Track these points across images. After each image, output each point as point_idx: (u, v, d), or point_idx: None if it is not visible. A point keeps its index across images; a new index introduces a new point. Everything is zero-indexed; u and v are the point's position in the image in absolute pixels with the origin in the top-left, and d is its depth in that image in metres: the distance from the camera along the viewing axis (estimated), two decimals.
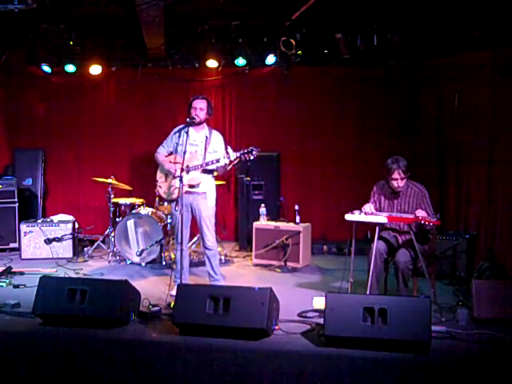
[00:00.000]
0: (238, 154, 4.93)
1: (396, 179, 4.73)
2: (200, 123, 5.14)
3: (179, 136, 5.09)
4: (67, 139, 8.05)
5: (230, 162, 5.00)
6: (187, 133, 4.93)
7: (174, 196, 5.09)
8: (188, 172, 5.02)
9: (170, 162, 5.19)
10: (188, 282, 5.23)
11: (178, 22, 6.65)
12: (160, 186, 5.31)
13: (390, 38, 6.53)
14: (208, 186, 5.22)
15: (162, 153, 5.29)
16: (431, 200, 4.80)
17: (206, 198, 5.19)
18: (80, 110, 8.04)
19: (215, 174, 5.37)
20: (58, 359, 3.86)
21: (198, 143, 5.15)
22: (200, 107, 5.10)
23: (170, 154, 5.27)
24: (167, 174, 5.24)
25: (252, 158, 4.93)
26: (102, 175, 6.89)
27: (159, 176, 5.34)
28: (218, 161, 4.99)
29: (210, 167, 5.08)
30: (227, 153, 4.98)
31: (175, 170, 5.07)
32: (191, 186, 5.09)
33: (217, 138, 5.24)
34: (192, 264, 6.21)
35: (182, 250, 4.96)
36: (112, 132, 8.08)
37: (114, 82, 8.03)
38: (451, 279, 5.64)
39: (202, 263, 6.30)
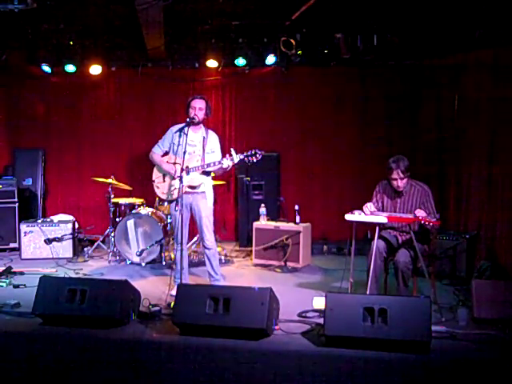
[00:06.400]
0: (242, 157, 4.90)
1: (395, 179, 4.74)
2: (198, 123, 5.14)
3: (179, 136, 5.04)
4: (67, 139, 8.07)
5: (233, 163, 4.97)
6: (186, 133, 4.90)
7: (174, 196, 5.08)
8: (188, 173, 5.01)
9: (168, 162, 5.19)
10: (188, 282, 5.23)
11: (178, 22, 6.64)
12: (158, 187, 5.29)
13: (390, 37, 6.53)
14: (207, 186, 5.21)
15: (157, 153, 5.28)
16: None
17: (205, 197, 5.18)
18: (80, 110, 8.05)
19: (213, 174, 5.37)
20: (58, 359, 3.86)
21: (195, 143, 5.14)
22: (199, 107, 5.09)
23: (165, 153, 5.26)
24: (165, 175, 5.24)
25: (255, 160, 4.91)
26: (102, 175, 6.89)
27: (156, 176, 5.32)
28: (220, 162, 4.97)
29: (210, 169, 5.08)
30: (230, 154, 4.93)
31: (175, 171, 5.06)
32: (192, 187, 5.09)
33: (213, 138, 5.25)
34: (192, 264, 6.22)
35: (181, 250, 4.96)
36: (112, 132, 8.08)
37: (113, 82, 8.04)
38: (451, 279, 5.64)
39: (202, 263, 6.29)
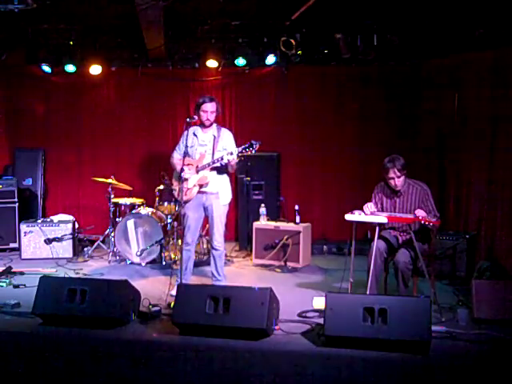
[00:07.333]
0: (240, 149, 4.94)
1: (392, 178, 4.74)
2: (210, 125, 5.17)
3: (187, 138, 5.11)
4: (67, 139, 8.05)
5: (233, 157, 4.98)
6: (195, 134, 5.07)
7: (185, 197, 5.12)
8: (198, 172, 5.08)
9: (184, 164, 5.23)
10: (189, 282, 5.23)
11: (178, 21, 6.64)
12: (175, 190, 5.38)
13: (389, 37, 6.53)
14: (220, 185, 5.22)
15: (176, 157, 5.35)
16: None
17: (218, 197, 5.21)
18: (80, 110, 8.03)
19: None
20: (58, 359, 3.86)
21: (206, 143, 5.19)
22: (211, 111, 5.12)
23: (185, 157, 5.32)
24: (180, 177, 5.28)
25: (254, 151, 4.94)
26: (102, 175, 6.89)
27: (174, 180, 5.41)
28: (222, 158, 5.01)
29: (216, 165, 5.11)
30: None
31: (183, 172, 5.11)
32: (201, 186, 5.13)
33: (226, 136, 5.26)
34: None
35: (181, 250, 5.02)
36: (112, 132, 8.08)
37: (113, 81, 8.03)
38: (451, 279, 5.64)
39: (203, 263, 6.32)
